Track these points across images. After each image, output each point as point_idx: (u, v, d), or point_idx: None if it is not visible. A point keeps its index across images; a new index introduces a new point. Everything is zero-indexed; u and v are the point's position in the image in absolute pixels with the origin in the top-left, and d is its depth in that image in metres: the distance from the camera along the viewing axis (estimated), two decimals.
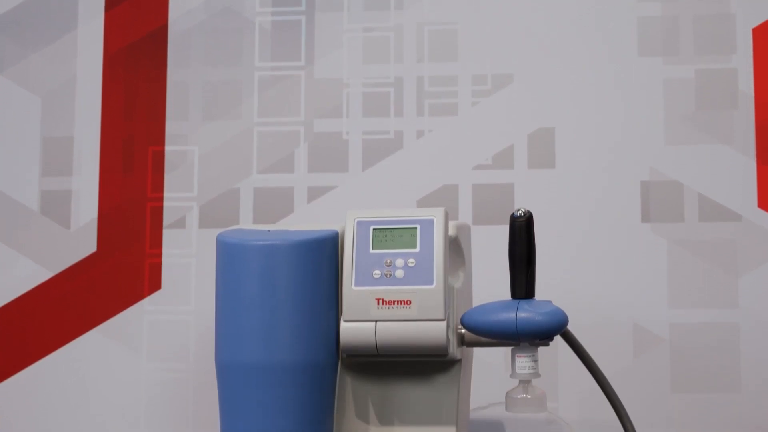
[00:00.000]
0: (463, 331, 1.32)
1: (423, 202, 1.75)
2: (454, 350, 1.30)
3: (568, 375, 1.69)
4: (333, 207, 1.77)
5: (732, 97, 1.73)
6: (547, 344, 1.31)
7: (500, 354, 1.69)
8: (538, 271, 1.33)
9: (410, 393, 1.34)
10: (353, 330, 1.28)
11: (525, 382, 1.30)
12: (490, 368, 1.65)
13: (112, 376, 1.80)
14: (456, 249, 1.35)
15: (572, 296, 1.65)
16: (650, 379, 1.70)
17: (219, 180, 1.81)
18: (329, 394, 1.30)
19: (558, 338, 1.37)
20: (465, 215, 1.74)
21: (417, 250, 1.29)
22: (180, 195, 1.82)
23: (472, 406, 1.50)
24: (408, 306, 1.27)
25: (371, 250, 1.30)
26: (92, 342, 1.81)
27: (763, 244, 1.70)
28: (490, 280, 1.53)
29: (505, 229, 1.33)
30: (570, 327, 1.36)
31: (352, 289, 1.28)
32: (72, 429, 1.80)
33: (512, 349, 1.30)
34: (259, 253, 1.27)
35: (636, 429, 1.40)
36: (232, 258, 1.28)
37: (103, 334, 1.81)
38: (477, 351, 1.53)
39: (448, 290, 1.28)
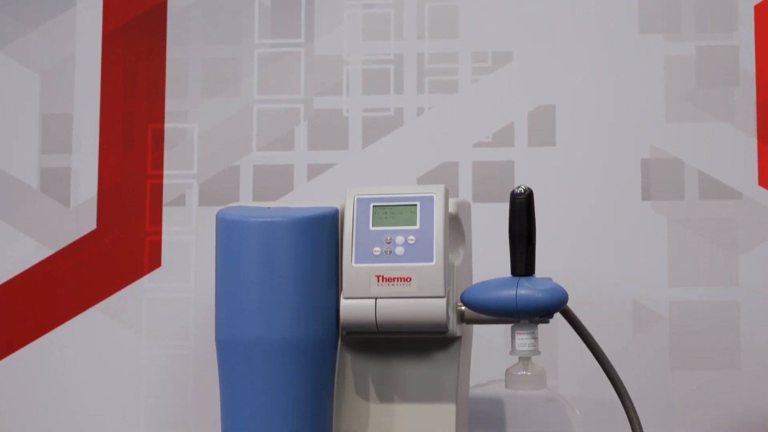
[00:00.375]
0: (462, 308, 1.32)
1: (423, 180, 1.75)
2: (453, 327, 1.30)
3: (567, 352, 1.69)
4: (333, 184, 1.77)
5: (733, 75, 1.72)
6: (547, 321, 1.31)
7: (500, 332, 1.69)
8: (538, 248, 1.33)
9: (410, 370, 1.34)
10: (353, 307, 1.28)
11: (525, 359, 1.30)
12: (489, 346, 1.65)
13: (112, 354, 1.80)
14: (456, 226, 1.35)
15: (572, 274, 1.64)
16: (650, 356, 1.70)
17: (219, 157, 1.81)
18: (329, 371, 1.30)
19: (558, 316, 1.37)
20: (465, 193, 1.74)
21: (417, 227, 1.29)
22: (180, 172, 1.81)
23: (472, 383, 1.50)
24: (408, 283, 1.27)
25: (371, 227, 1.29)
26: (92, 320, 1.81)
27: (764, 222, 1.70)
28: (490, 258, 1.53)
29: (505, 207, 1.33)
30: (570, 304, 1.36)
31: (352, 266, 1.28)
32: (72, 407, 1.80)
33: (512, 327, 1.30)
34: (259, 230, 1.27)
35: (635, 406, 1.41)
36: (232, 235, 1.28)
37: (103, 312, 1.81)
38: (477, 328, 1.53)
39: (448, 267, 1.28)
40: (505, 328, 1.67)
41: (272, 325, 1.25)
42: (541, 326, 1.32)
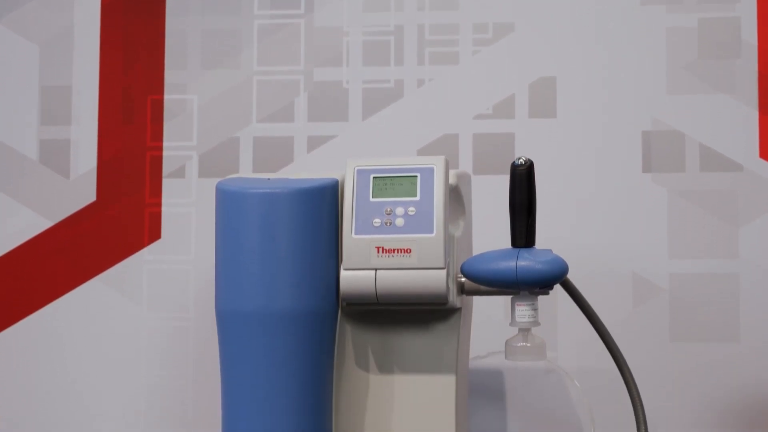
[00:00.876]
0: (462, 279, 1.32)
1: (423, 152, 1.75)
2: (453, 299, 1.30)
3: (567, 324, 1.69)
4: (333, 156, 1.76)
5: (735, 47, 1.71)
6: (547, 293, 1.31)
7: (500, 304, 1.69)
8: (539, 220, 1.33)
9: (410, 341, 1.34)
10: (353, 278, 1.28)
11: (524, 331, 1.30)
12: (489, 318, 1.65)
13: (112, 325, 1.81)
14: (456, 198, 1.35)
15: (572, 246, 1.64)
16: (649, 328, 1.70)
17: (218, 129, 1.80)
18: (329, 343, 1.30)
19: (558, 287, 1.37)
20: (465, 165, 1.73)
21: (417, 198, 1.28)
22: (179, 144, 1.81)
23: (471, 355, 1.50)
24: (408, 254, 1.27)
25: (371, 199, 1.29)
26: (92, 291, 1.81)
27: (764, 194, 1.69)
28: (490, 231, 1.53)
29: (505, 179, 1.33)
30: (570, 276, 1.36)
31: (352, 238, 1.28)
32: (73, 378, 1.81)
33: (512, 298, 1.30)
34: (259, 201, 1.26)
35: (635, 378, 1.41)
36: (232, 206, 1.28)
37: (104, 284, 1.81)
38: (476, 301, 1.53)
39: (448, 239, 1.28)
40: (504, 301, 1.67)
41: (272, 296, 1.25)
42: (540, 298, 1.32)
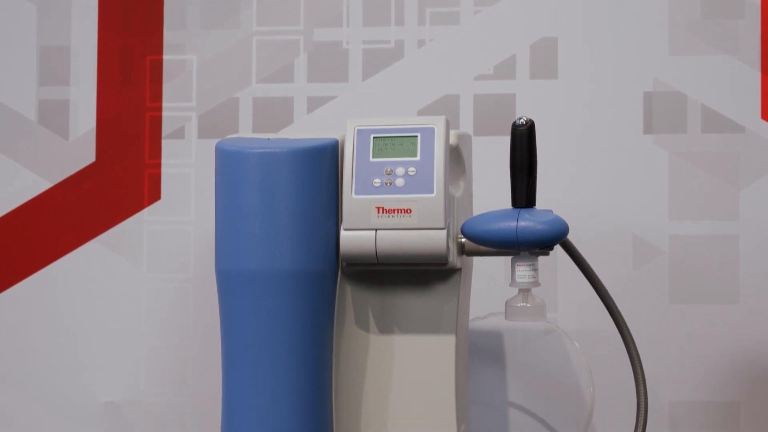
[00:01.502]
0: (463, 240, 1.32)
1: (424, 113, 1.74)
2: (453, 259, 1.30)
3: (567, 285, 1.70)
4: (333, 117, 1.76)
5: (738, 7, 1.70)
6: (547, 254, 1.31)
7: (500, 265, 1.69)
8: (539, 181, 1.33)
9: (410, 302, 1.34)
10: (353, 238, 1.27)
11: (524, 291, 1.30)
12: (489, 279, 1.65)
13: (112, 286, 1.81)
14: (457, 158, 1.34)
15: (572, 207, 1.64)
16: (649, 290, 1.70)
17: (218, 90, 1.80)
18: (329, 303, 1.30)
19: (558, 249, 1.37)
20: (466, 126, 1.73)
21: (417, 158, 1.28)
22: (179, 105, 1.80)
23: (471, 315, 1.51)
24: (408, 215, 1.27)
25: (371, 159, 1.29)
26: (92, 253, 1.81)
27: (766, 155, 1.69)
28: (490, 193, 1.52)
29: (506, 141, 1.32)
30: (570, 237, 1.36)
31: (352, 198, 1.28)
32: (73, 339, 1.81)
33: (512, 259, 1.30)
34: (258, 161, 1.26)
35: (634, 339, 1.41)
36: (232, 166, 1.27)
37: (103, 245, 1.81)
38: (476, 263, 1.53)
39: (448, 199, 1.28)
40: (504, 262, 1.67)
41: (272, 256, 1.25)
42: (541, 259, 1.32)
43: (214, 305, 1.34)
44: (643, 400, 1.38)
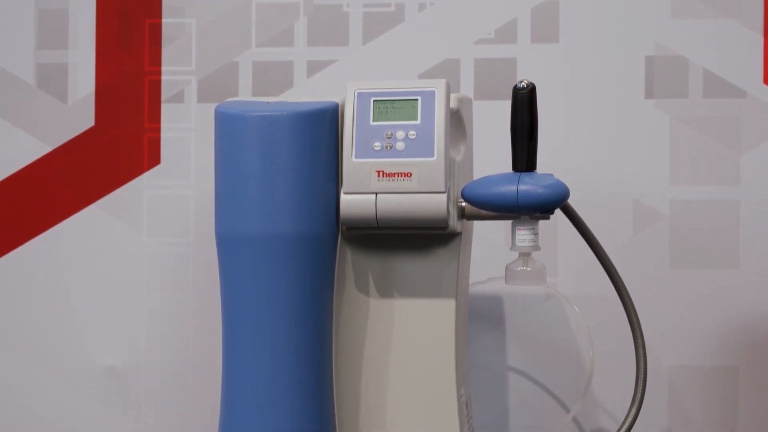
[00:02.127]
0: (463, 204, 1.32)
1: (424, 77, 1.73)
2: (454, 223, 1.29)
3: (567, 250, 1.70)
4: (333, 81, 1.75)
5: None
6: (548, 218, 1.31)
7: (500, 230, 1.69)
8: (540, 145, 1.32)
9: (410, 266, 1.34)
10: (353, 202, 1.27)
11: (525, 255, 1.30)
12: (489, 244, 1.65)
13: (112, 251, 1.81)
14: (457, 122, 1.34)
15: (573, 171, 1.63)
16: (649, 255, 1.70)
17: (217, 53, 1.79)
18: (329, 266, 1.30)
19: (558, 214, 1.36)
20: (467, 90, 1.72)
21: (418, 122, 1.27)
22: (178, 69, 1.79)
23: (471, 280, 1.51)
24: (408, 178, 1.26)
25: (372, 122, 1.28)
26: (92, 217, 1.81)
27: (767, 120, 1.68)
28: (491, 158, 1.52)
29: (506, 105, 1.31)
30: (570, 202, 1.36)
31: (352, 161, 1.27)
32: (73, 304, 1.81)
33: (512, 222, 1.30)
34: (258, 124, 1.25)
35: (634, 304, 1.41)
36: (232, 129, 1.27)
37: (103, 209, 1.81)
38: (477, 228, 1.53)
39: (448, 163, 1.27)
40: (505, 227, 1.67)
41: (272, 219, 1.25)
42: (541, 223, 1.32)
43: (214, 269, 1.34)
44: (642, 364, 1.38)
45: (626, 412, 1.37)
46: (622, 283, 1.41)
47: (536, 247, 1.29)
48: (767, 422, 1.70)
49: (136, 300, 1.80)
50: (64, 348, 1.81)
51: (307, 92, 1.76)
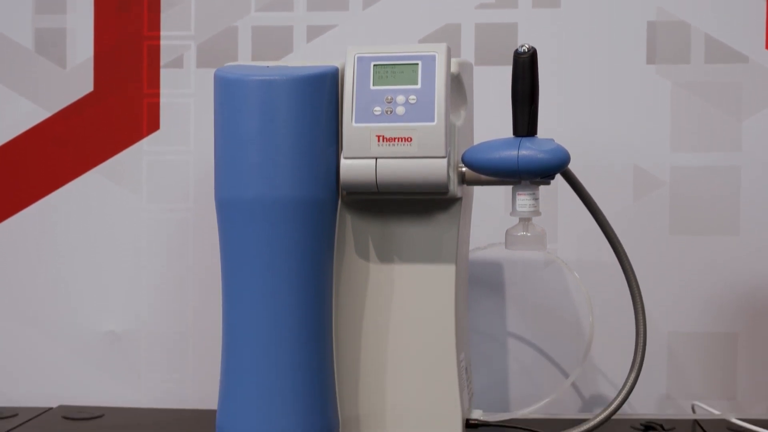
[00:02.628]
0: (463, 169, 1.31)
1: (425, 42, 1.72)
2: (454, 188, 1.29)
3: (567, 215, 1.69)
4: (333, 46, 1.74)
5: None
6: (548, 183, 1.30)
7: (500, 196, 1.68)
8: (540, 111, 1.31)
9: (410, 231, 1.34)
10: (353, 167, 1.27)
11: (525, 220, 1.30)
12: (489, 209, 1.65)
13: (112, 216, 1.81)
14: (458, 86, 1.33)
15: (574, 136, 1.63)
16: (650, 221, 1.70)
17: (216, 18, 1.78)
18: (329, 231, 1.30)
19: (558, 179, 1.36)
20: (467, 55, 1.71)
21: (418, 86, 1.27)
22: (177, 33, 1.78)
23: (471, 246, 1.50)
24: (408, 143, 1.26)
25: (372, 87, 1.28)
26: (91, 183, 1.81)
27: None
28: (491, 123, 1.51)
29: (507, 70, 1.31)
30: (570, 167, 1.35)
31: (352, 126, 1.27)
32: (73, 269, 1.81)
33: (513, 188, 1.30)
34: (258, 88, 1.25)
35: (634, 270, 1.41)
36: (231, 94, 1.26)
37: (102, 175, 1.81)
38: (477, 193, 1.53)
39: (449, 127, 1.27)
40: (505, 193, 1.67)
41: (272, 184, 1.24)
42: (541, 188, 1.32)
43: (214, 235, 1.34)
44: (642, 330, 1.38)
45: (625, 378, 1.37)
46: (623, 249, 1.41)
47: (536, 213, 1.29)
48: (766, 388, 1.71)
49: (137, 265, 1.80)
50: (64, 313, 1.81)
51: (306, 57, 1.75)
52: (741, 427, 1.55)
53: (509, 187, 1.32)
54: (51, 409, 1.74)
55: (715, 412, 1.62)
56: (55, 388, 1.80)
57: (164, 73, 1.79)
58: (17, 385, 1.81)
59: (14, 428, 1.60)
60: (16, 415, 1.68)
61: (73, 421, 1.66)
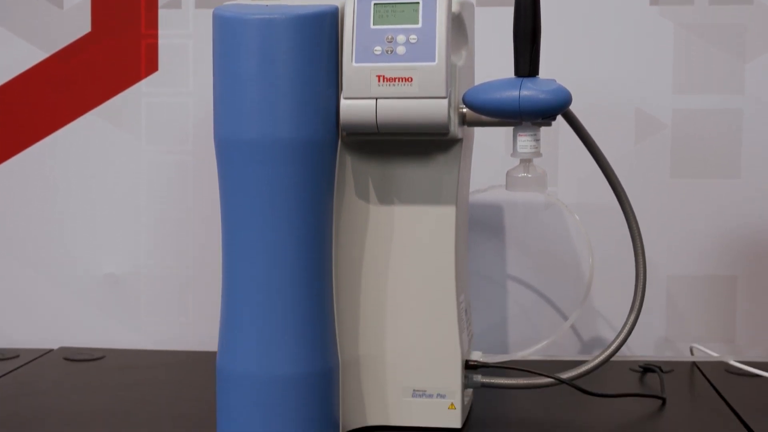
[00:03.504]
0: (464, 109, 1.30)
1: None
2: (455, 129, 1.28)
3: (568, 157, 1.69)
4: None
5: None
6: (549, 124, 1.29)
7: (501, 138, 1.68)
8: (542, 51, 1.30)
9: (410, 172, 1.33)
10: (353, 107, 1.26)
11: (526, 161, 1.29)
12: (490, 152, 1.64)
13: (111, 158, 1.80)
14: (459, 26, 1.32)
15: (575, 77, 1.61)
16: (651, 164, 1.70)
17: None
18: (329, 172, 1.29)
19: (560, 121, 1.35)
20: None
21: (419, 26, 1.25)
22: None
23: (471, 188, 1.50)
24: (409, 83, 1.24)
25: (372, 26, 1.26)
26: (90, 125, 1.80)
27: None
28: (493, 66, 1.50)
29: (508, 12, 1.29)
30: (572, 109, 1.34)
31: (352, 66, 1.25)
32: (72, 211, 1.81)
33: (514, 129, 1.29)
34: (257, 27, 1.23)
35: (635, 213, 1.41)
36: (230, 33, 1.25)
37: (101, 117, 1.80)
38: (477, 134, 1.52)
39: (450, 67, 1.25)
40: (506, 135, 1.66)
41: (271, 124, 1.23)
42: (542, 130, 1.31)
43: (214, 177, 1.33)
44: (641, 273, 1.38)
45: (624, 321, 1.37)
46: (623, 191, 1.40)
47: (537, 154, 1.28)
48: (765, 331, 1.71)
49: (136, 208, 1.80)
50: (64, 255, 1.81)
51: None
52: (739, 369, 1.56)
53: (510, 130, 1.31)
54: (52, 350, 1.75)
55: (714, 355, 1.63)
56: (57, 330, 1.81)
57: (162, 14, 1.77)
58: (18, 326, 1.82)
59: (16, 369, 1.61)
60: (17, 356, 1.69)
61: (74, 362, 1.67)
